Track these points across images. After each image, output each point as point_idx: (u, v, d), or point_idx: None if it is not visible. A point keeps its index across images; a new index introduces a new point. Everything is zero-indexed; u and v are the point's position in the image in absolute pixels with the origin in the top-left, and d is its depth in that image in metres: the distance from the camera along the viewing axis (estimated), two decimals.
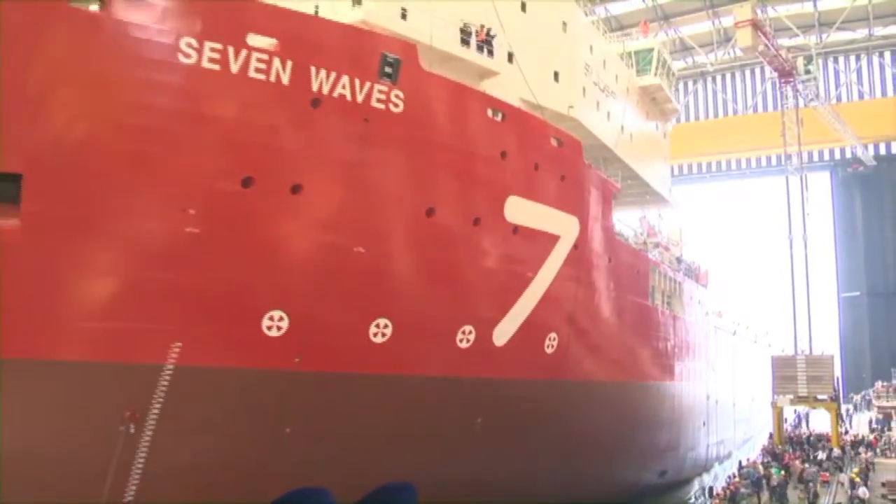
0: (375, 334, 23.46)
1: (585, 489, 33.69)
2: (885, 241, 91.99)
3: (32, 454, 18.45)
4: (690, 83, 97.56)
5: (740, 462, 45.92)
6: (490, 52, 28.72)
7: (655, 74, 47.07)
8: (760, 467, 38.93)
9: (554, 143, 29.23)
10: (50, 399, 18.91)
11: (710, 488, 39.47)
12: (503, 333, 27.46)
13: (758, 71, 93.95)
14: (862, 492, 31.59)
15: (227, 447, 21.20)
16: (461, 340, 26.05)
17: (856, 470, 36.58)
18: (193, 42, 19.01)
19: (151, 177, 19.16)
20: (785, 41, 75.09)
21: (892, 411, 55.32)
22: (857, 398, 76.55)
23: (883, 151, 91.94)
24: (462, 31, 27.49)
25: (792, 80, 59.88)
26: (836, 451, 43.29)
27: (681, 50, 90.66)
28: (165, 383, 19.99)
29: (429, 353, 25.26)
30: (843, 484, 34.88)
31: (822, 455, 42.81)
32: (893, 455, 45.35)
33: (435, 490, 25.51)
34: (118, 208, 18.98)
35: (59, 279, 18.84)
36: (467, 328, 26.10)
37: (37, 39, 17.61)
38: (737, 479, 36.73)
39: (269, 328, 21.35)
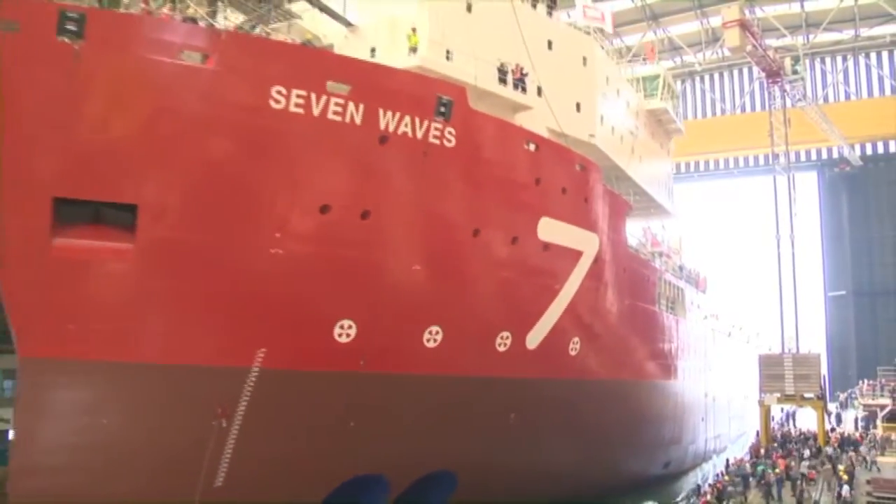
0: (428, 340, 28.37)
1: (601, 478, 39.20)
2: (871, 240, 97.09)
3: (150, 444, 23.33)
4: (679, 83, 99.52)
5: (727, 461, 48.38)
6: (524, 89, 33.73)
7: (661, 99, 52.98)
8: (747, 466, 41.36)
9: (578, 168, 34.39)
10: (162, 397, 23.58)
11: (698, 486, 41.02)
12: (534, 338, 32.56)
13: (746, 71, 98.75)
14: (845, 490, 33.72)
15: (301, 439, 25.84)
16: (499, 345, 31.16)
17: (842, 468, 38.25)
18: (283, 90, 23.39)
19: (246, 206, 23.71)
20: (772, 41, 77.65)
21: (878, 409, 57.35)
22: (843, 396, 79.81)
23: (869, 152, 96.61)
24: (499, 70, 32.52)
25: (779, 80, 62.64)
26: (828, 450, 45.87)
27: (669, 49, 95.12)
28: (252, 384, 24.48)
29: (472, 356, 30.22)
30: (829, 482, 36.99)
31: (807, 453, 45.14)
32: (879, 453, 46.86)
33: (474, 476, 30.63)
34: (218, 233, 23.54)
35: (164, 295, 23.35)
36: (505, 334, 31.14)
37: (156, 95, 22.20)
38: (726, 478, 38.55)
39: (340, 335, 26.01)
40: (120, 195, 22.18)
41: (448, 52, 31.09)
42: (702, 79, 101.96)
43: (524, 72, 33.52)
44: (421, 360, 28.40)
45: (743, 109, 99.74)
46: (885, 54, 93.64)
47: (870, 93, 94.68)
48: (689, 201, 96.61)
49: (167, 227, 22.81)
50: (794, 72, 64.65)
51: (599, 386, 38.21)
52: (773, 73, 61.92)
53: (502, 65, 32.79)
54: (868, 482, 36.54)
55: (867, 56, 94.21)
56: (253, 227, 23.88)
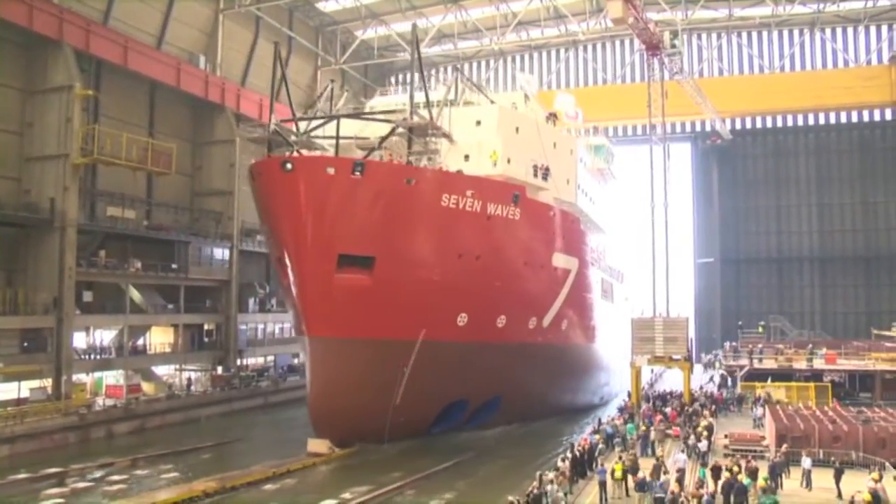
0: (498, 322, 59.00)
1: (569, 404, 70.72)
2: (738, 210, 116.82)
3: (369, 381, 51.60)
4: (562, 51, 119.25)
5: (599, 419, 56.97)
6: (545, 178, 64.14)
7: (605, 160, 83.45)
8: (618, 424, 47.80)
9: (572, 222, 66.77)
10: (377, 356, 50.81)
11: (572, 444, 42.02)
12: (547, 320, 63.71)
13: (627, 43, 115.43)
14: (703, 445, 37.96)
15: (435, 377, 54.35)
16: (530, 324, 62.26)
17: (704, 423, 42.49)
18: (448, 195, 54.16)
19: (426, 257, 53.46)
20: (653, 15, 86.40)
21: (737, 369, 63.50)
22: (707, 358, 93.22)
23: (739, 126, 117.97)
24: (534, 168, 62.94)
25: (659, 53, 70.60)
26: (691, 408, 51.85)
27: (554, 18, 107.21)
28: (417, 348, 53.68)
29: (517, 331, 60.80)
30: (690, 437, 41.00)
31: (669, 411, 51.82)
32: (737, 410, 54.94)
33: (513, 397, 60.47)
34: (410, 271, 51.41)
35: (382, 304, 50.89)
36: (533, 318, 62.66)
37: (388, 199, 50.22)
38: (596, 436, 42.66)
39: (460, 322, 56.32)
40: (367, 251, 51.65)
41: (509, 159, 60.65)
42: (585, 48, 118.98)
43: (547, 167, 64.31)
44: (494, 334, 58.83)
45: (623, 80, 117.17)
46: (754, 35, 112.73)
47: (740, 70, 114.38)
48: None
49: (387, 268, 52.33)
50: (673, 46, 71.45)
51: (574, 348, 70.00)
52: (653, 46, 70.12)
53: (535, 165, 63.51)
54: (726, 436, 42.19)
55: (739, 35, 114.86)
56: (427, 266, 53.77)
